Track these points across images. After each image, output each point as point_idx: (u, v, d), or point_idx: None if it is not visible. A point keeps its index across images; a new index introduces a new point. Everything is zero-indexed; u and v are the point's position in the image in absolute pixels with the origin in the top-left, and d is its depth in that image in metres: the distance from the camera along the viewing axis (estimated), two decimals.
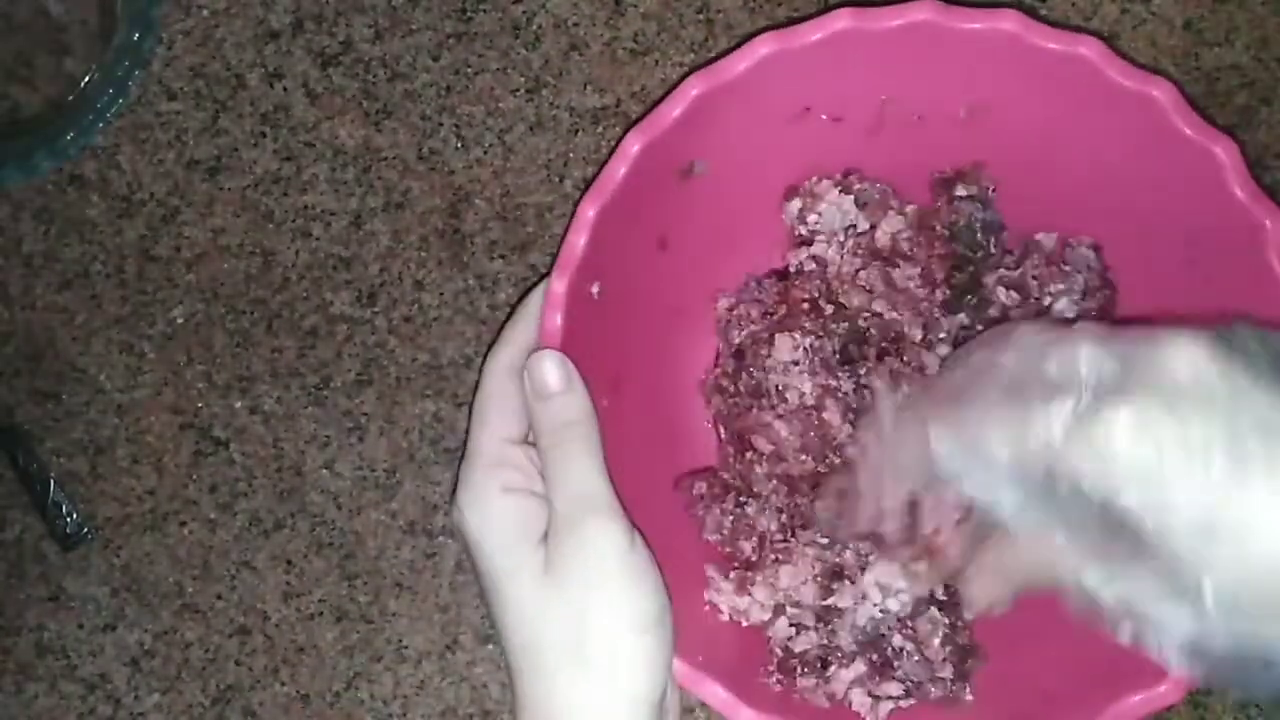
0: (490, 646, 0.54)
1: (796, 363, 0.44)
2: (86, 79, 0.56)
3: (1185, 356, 0.30)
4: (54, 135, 0.55)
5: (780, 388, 0.45)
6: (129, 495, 0.55)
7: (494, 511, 0.38)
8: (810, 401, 0.44)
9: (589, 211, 0.40)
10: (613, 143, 0.55)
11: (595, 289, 0.42)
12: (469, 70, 0.56)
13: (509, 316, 0.42)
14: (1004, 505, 0.33)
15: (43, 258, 0.56)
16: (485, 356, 0.41)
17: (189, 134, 0.56)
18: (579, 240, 0.40)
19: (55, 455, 0.55)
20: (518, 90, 0.56)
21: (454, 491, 0.39)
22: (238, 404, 0.55)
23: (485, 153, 0.55)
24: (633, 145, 0.40)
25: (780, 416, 0.45)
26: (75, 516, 0.55)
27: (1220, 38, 0.54)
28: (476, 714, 0.53)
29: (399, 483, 0.54)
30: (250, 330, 0.55)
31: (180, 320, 0.56)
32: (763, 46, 0.40)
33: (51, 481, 0.55)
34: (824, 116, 0.45)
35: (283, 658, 0.54)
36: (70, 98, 0.56)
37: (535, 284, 0.41)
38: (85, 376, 0.56)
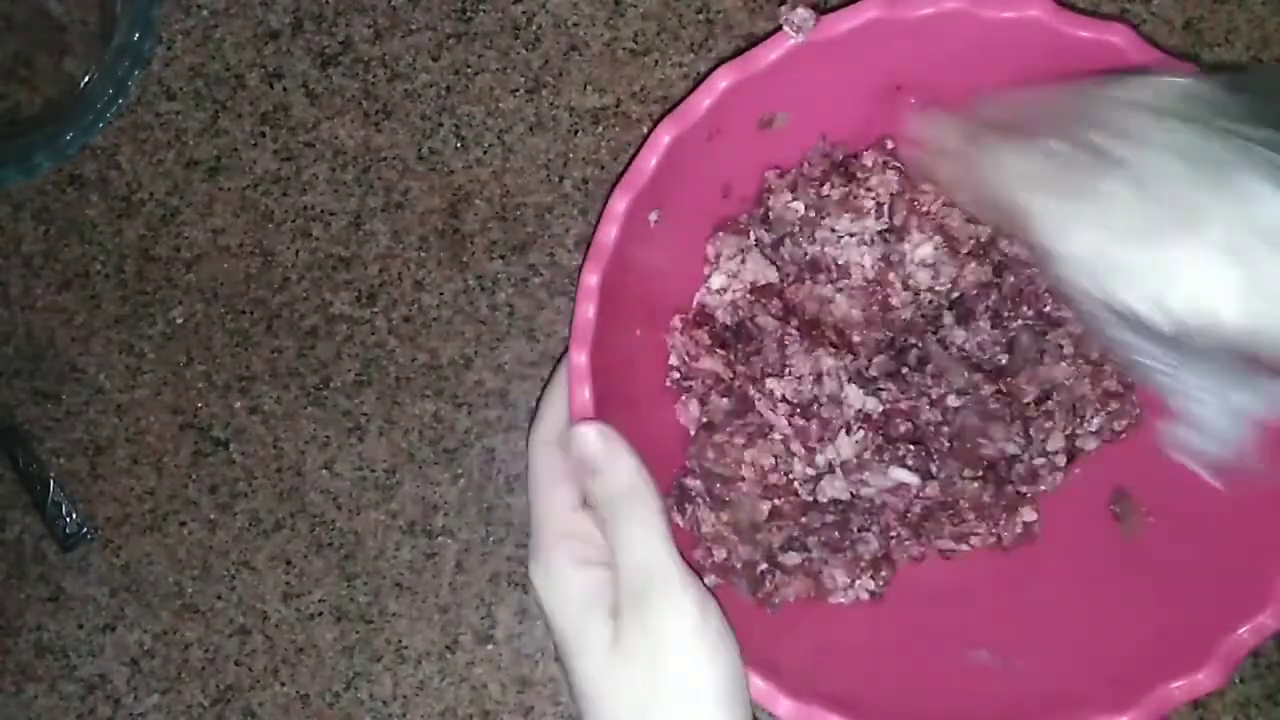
0: (490, 647, 0.54)
1: (854, 234, 0.44)
2: (86, 79, 0.56)
3: None
4: (54, 135, 0.55)
5: (839, 261, 0.44)
6: (129, 495, 0.55)
7: (566, 583, 0.37)
8: (871, 274, 0.44)
9: (664, 137, 0.40)
10: (613, 143, 0.55)
11: (653, 216, 0.42)
12: (469, 70, 0.56)
13: (542, 391, 0.41)
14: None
15: (42, 258, 0.56)
16: (529, 434, 0.41)
17: (188, 134, 0.56)
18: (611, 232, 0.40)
19: (55, 455, 0.55)
20: (517, 90, 0.56)
21: (526, 566, 0.39)
22: (237, 404, 0.55)
23: (485, 153, 0.55)
24: (713, 91, 0.40)
25: (840, 290, 0.45)
26: (75, 517, 0.55)
27: (1220, 38, 0.54)
28: (476, 714, 0.53)
29: (399, 483, 0.54)
30: (250, 330, 0.55)
31: (180, 320, 0.56)
32: (871, 10, 0.40)
33: (51, 482, 0.55)
34: (912, 100, 0.45)
35: (282, 658, 0.54)
36: (70, 98, 0.56)
37: (559, 359, 0.41)
38: (85, 377, 0.56)
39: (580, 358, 0.39)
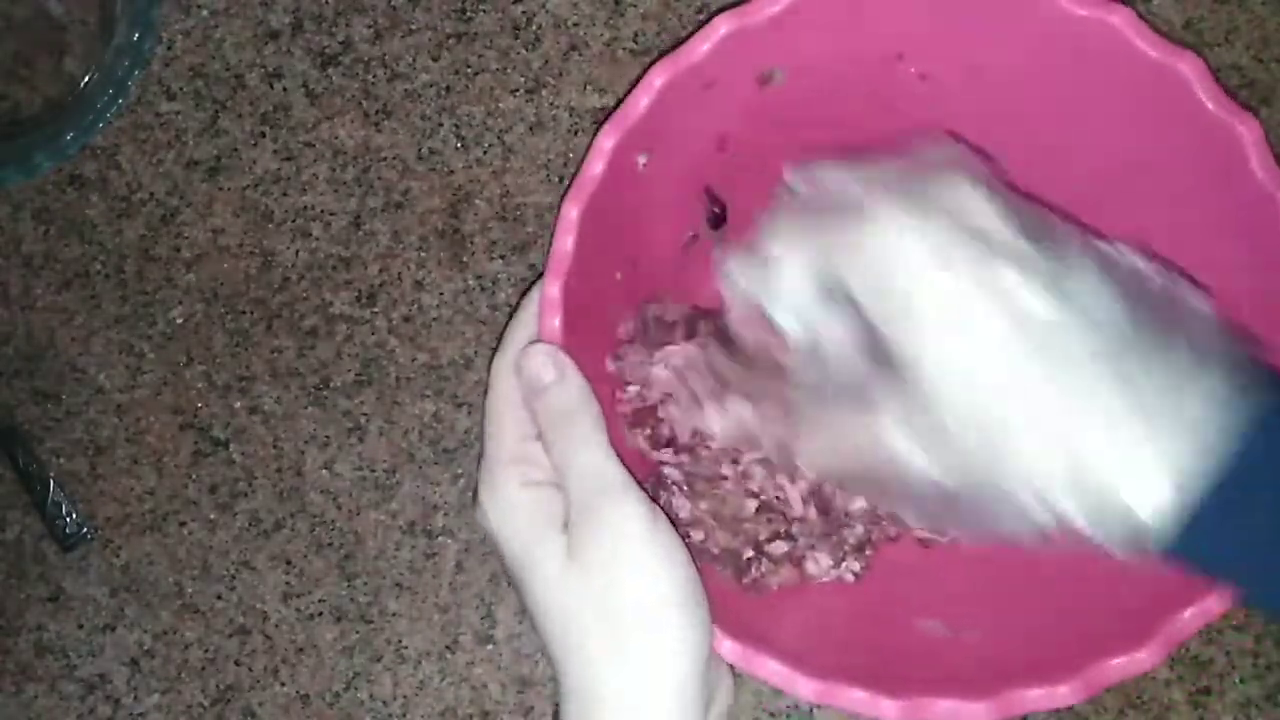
0: (490, 647, 0.54)
1: None
2: (86, 79, 0.56)
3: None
4: (53, 135, 0.55)
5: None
6: (128, 495, 0.55)
7: (514, 505, 0.38)
8: None
9: (605, 143, 0.40)
10: None
11: (641, 160, 0.41)
12: (469, 70, 0.56)
13: (510, 318, 0.42)
14: (790, 325, 0.37)
15: (42, 258, 0.56)
16: (491, 360, 0.41)
17: (188, 134, 0.56)
18: (596, 165, 0.40)
19: (55, 455, 0.55)
20: (517, 90, 0.56)
21: (475, 495, 0.39)
22: (237, 404, 0.55)
23: (485, 153, 0.55)
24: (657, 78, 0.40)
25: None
26: (75, 517, 0.55)
27: (1220, 38, 0.54)
28: (476, 714, 0.53)
29: (399, 483, 0.54)
30: (250, 330, 0.55)
31: (180, 320, 0.56)
32: None
33: (51, 482, 0.55)
34: (913, 70, 0.44)
35: (282, 658, 0.54)
36: (70, 98, 0.56)
37: (533, 284, 0.41)
38: (85, 377, 0.56)
39: (553, 289, 0.39)
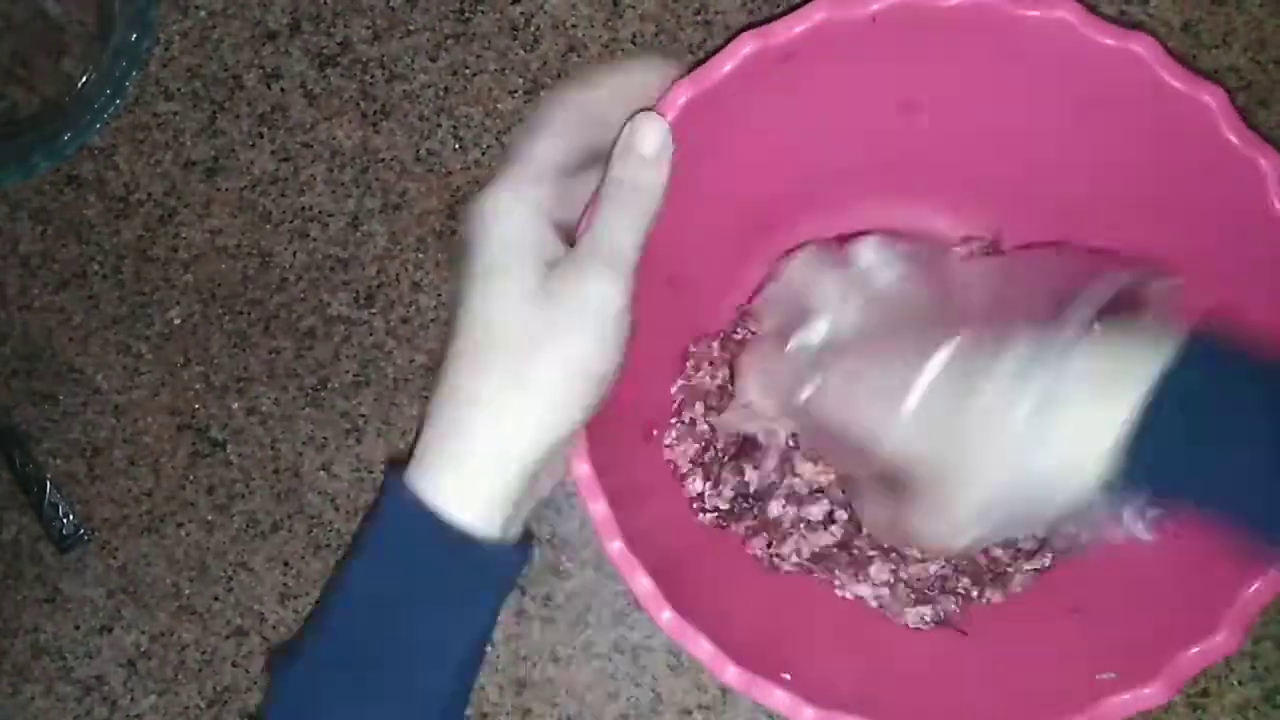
0: (488, 649, 0.54)
1: None
2: (84, 79, 0.56)
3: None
4: (51, 135, 0.55)
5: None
6: (126, 497, 0.55)
7: (518, 215, 0.38)
8: None
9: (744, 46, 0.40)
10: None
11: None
12: (467, 71, 0.56)
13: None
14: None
15: (40, 258, 0.56)
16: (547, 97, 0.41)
17: (186, 134, 0.56)
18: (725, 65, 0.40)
19: (52, 456, 0.55)
20: (516, 91, 0.55)
21: (483, 191, 0.39)
22: (235, 405, 0.55)
23: (483, 154, 0.55)
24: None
25: None
26: (72, 518, 0.55)
27: (1218, 40, 0.54)
28: (474, 716, 0.53)
29: None
30: (248, 331, 0.55)
31: (177, 321, 0.56)
32: None
33: (48, 483, 0.55)
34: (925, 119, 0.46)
35: None
36: (67, 98, 0.56)
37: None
38: (82, 377, 0.56)
39: (583, 467, 0.40)
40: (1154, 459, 0.34)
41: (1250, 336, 0.35)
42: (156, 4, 0.56)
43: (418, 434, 0.38)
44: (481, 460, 0.37)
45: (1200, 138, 0.40)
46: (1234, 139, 0.40)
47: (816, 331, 0.43)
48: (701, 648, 0.40)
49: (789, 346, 0.43)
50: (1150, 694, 0.39)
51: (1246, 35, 0.54)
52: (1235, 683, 0.52)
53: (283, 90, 0.56)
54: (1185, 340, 0.35)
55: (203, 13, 0.56)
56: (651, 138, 0.39)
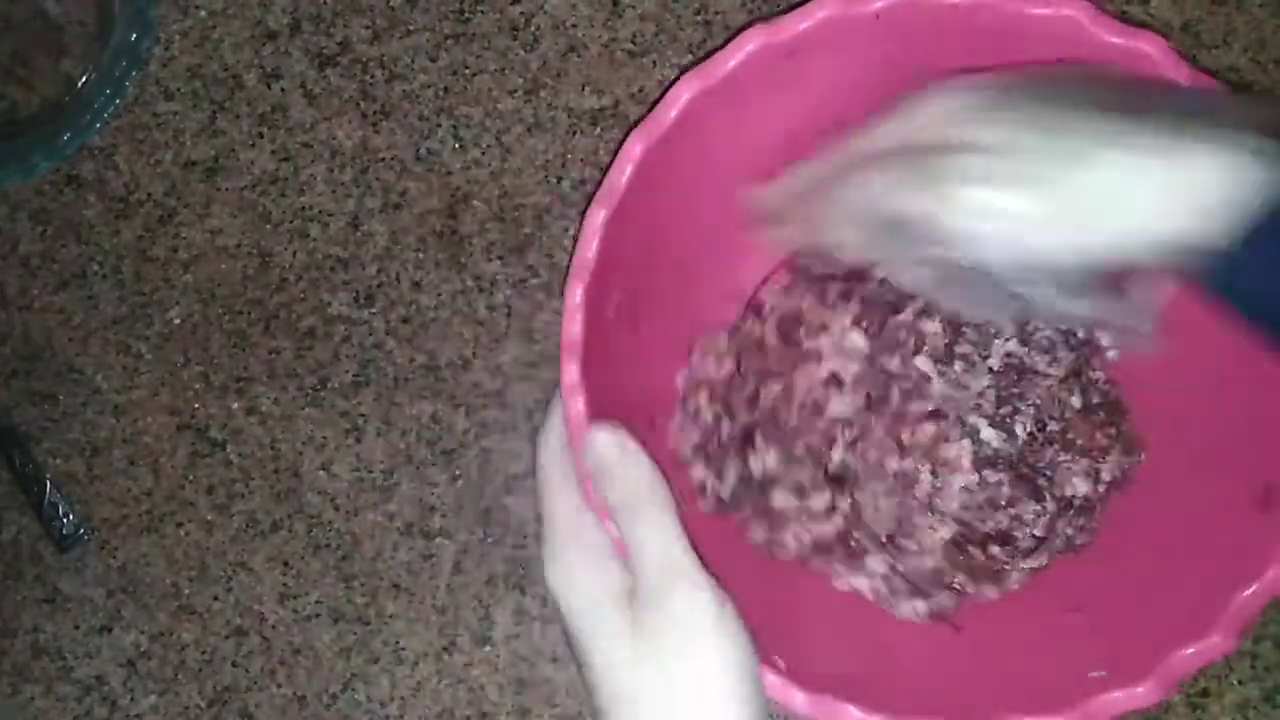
0: (487, 648, 0.54)
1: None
2: (84, 79, 0.56)
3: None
4: (51, 135, 0.55)
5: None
6: (125, 496, 0.55)
7: (577, 581, 0.38)
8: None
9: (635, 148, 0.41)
10: (611, 144, 0.55)
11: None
12: (467, 71, 0.56)
13: (554, 395, 0.42)
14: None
15: (40, 258, 0.56)
16: (536, 443, 0.41)
17: (186, 134, 0.56)
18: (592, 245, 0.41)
19: (52, 456, 0.55)
20: (516, 91, 0.55)
21: (544, 568, 0.39)
22: (235, 405, 0.55)
23: (483, 154, 0.55)
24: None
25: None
26: (71, 518, 0.55)
27: (1218, 40, 0.54)
28: (474, 716, 0.53)
29: (396, 484, 0.54)
30: (247, 331, 0.55)
31: (177, 321, 0.56)
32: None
33: (48, 482, 0.55)
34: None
35: (279, 659, 0.54)
36: (67, 98, 0.56)
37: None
38: (82, 377, 0.55)
39: (571, 372, 0.40)
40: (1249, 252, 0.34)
41: None
42: (156, 4, 0.56)
43: None
44: None
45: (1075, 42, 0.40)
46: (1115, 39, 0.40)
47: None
48: None
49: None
50: (1142, 693, 0.39)
51: (1246, 35, 0.54)
52: (1235, 682, 0.52)
53: (283, 90, 0.56)
54: None
55: (203, 12, 0.56)
56: (608, 449, 0.39)
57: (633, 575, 0.38)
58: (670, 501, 0.38)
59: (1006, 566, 0.49)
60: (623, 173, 0.41)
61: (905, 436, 0.49)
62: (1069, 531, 0.49)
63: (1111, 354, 0.50)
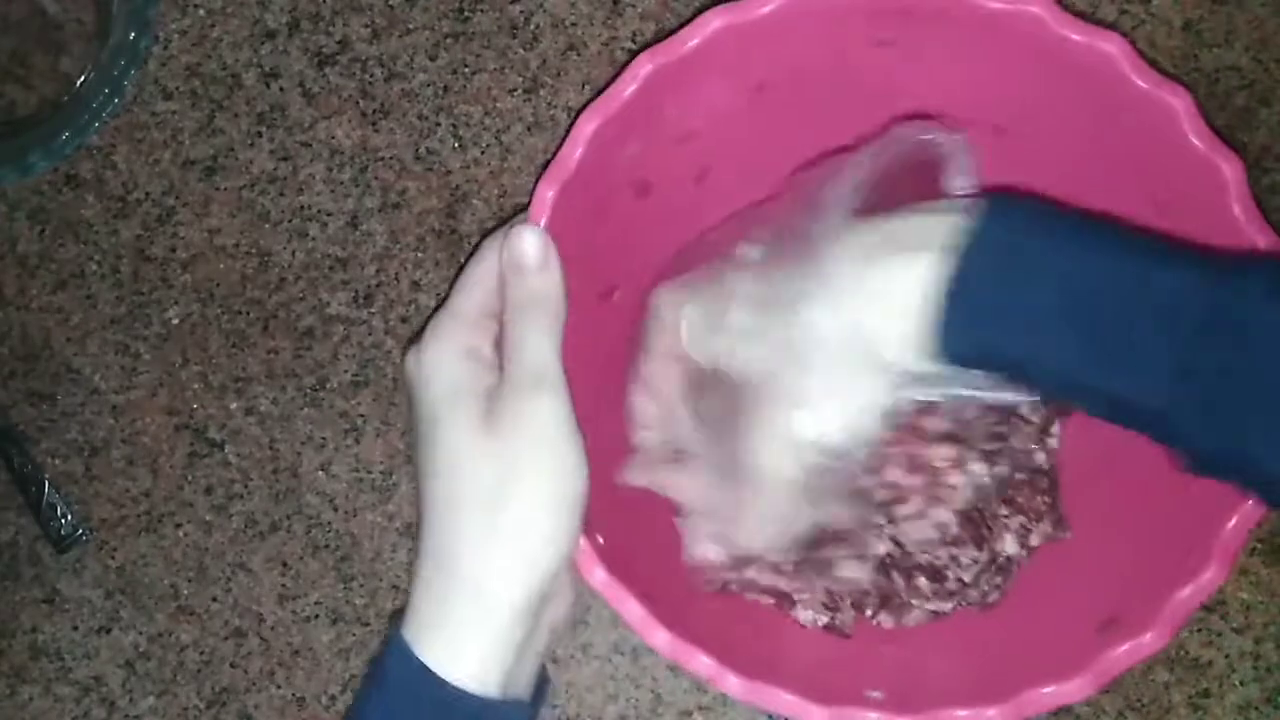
0: None
1: None
2: (82, 78, 0.56)
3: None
4: (49, 135, 0.55)
5: None
6: (124, 497, 0.55)
7: (450, 364, 0.39)
8: None
9: (588, 126, 0.41)
10: None
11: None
12: (466, 70, 0.56)
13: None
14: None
15: (38, 258, 0.56)
16: (483, 243, 0.42)
17: (185, 134, 0.56)
18: (575, 151, 0.41)
19: (50, 456, 0.55)
20: (515, 90, 0.55)
21: (414, 342, 0.40)
22: (233, 405, 0.55)
23: (483, 153, 0.55)
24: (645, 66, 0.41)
25: None
26: (70, 518, 0.54)
27: (1219, 39, 0.54)
28: None
29: (395, 484, 0.54)
30: (246, 331, 0.55)
31: (176, 321, 0.55)
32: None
33: (46, 483, 0.55)
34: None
35: (278, 660, 0.54)
36: (66, 97, 0.56)
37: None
38: (80, 377, 0.55)
39: (547, 190, 0.40)
40: (961, 316, 0.35)
41: (1043, 199, 0.36)
42: (155, 3, 0.56)
43: (410, 585, 0.38)
44: (469, 614, 0.37)
45: (1165, 140, 0.40)
46: (1197, 142, 0.40)
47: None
48: (701, 663, 0.40)
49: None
50: (1150, 639, 0.40)
51: (1248, 34, 0.54)
52: (1236, 683, 0.52)
53: (281, 89, 0.56)
54: (982, 204, 0.36)
55: (201, 11, 0.56)
56: (531, 248, 0.40)
57: (501, 375, 0.39)
58: (563, 315, 0.39)
59: (915, 602, 0.48)
60: (575, 149, 0.41)
61: (919, 450, 0.48)
62: (986, 587, 0.48)
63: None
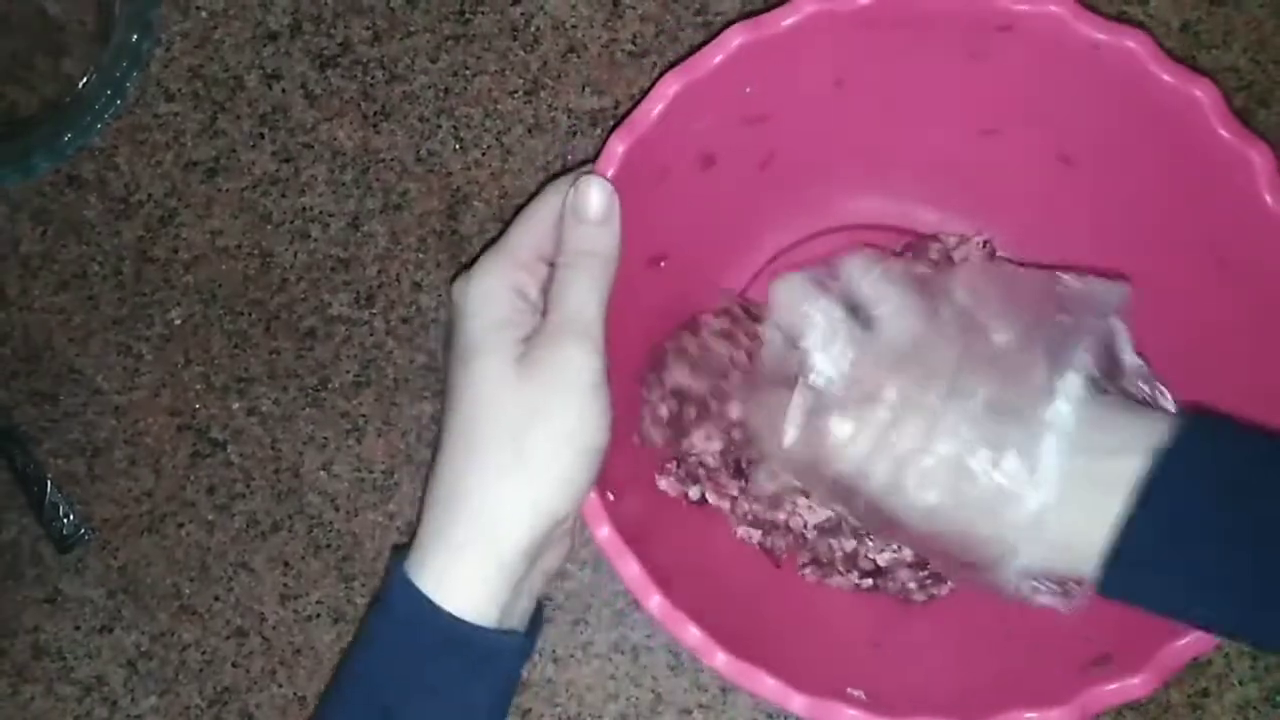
0: None
1: None
2: (84, 80, 0.56)
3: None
4: (52, 136, 0.55)
5: None
6: (126, 497, 0.55)
7: (497, 296, 0.39)
8: None
9: (670, 86, 0.41)
10: None
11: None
12: (467, 72, 0.56)
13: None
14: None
15: (40, 259, 0.56)
16: (550, 185, 0.42)
17: (187, 135, 0.56)
18: (654, 109, 0.41)
19: (52, 456, 0.55)
20: (516, 92, 0.56)
21: (466, 269, 0.40)
22: (235, 405, 0.55)
23: (483, 154, 0.55)
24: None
25: None
26: (72, 518, 0.55)
27: (1217, 40, 0.54)
28: None
29: (397, 484, 0.54)
30: (248, 331, 0.55)
31: (178, 321, 0.56)
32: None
33: (49, 483, 0.55)
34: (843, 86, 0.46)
35: (280, 659, 0.54)
36: (68, 99, 0.56)
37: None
38: (83, 378, 0.56)
39: (619, 145, 0.41)
40: (1137, 557, 0.35)
41: (1236, 427, 0.36)
42: (157, 4, 0.56)
43: (418, 517, 0.39)
44: (474, 547, 0.37)
45: (1192, 133, 0.40)
46: (1225, 134, 0.40)
47: (817, 374, 0.40)
48: (690, 634, 0.40)
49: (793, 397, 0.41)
50: (1138, 684, 0.39)
51: (1246, 35, 0.54)
52: (1235, 682, 0.52)
53: (283, 91, 0.56)
54: (1175, 431, 0.35)
55: (204, 13, 0.57)
56: (596, 201, 0.40)
57: (543, 320, 0.39)
58: (612, 274, 0.40)
59: (842, 570, 0.49)
60: (654, 106, 0.41)
61: None
62: (912, 584, 0.49)
63: None
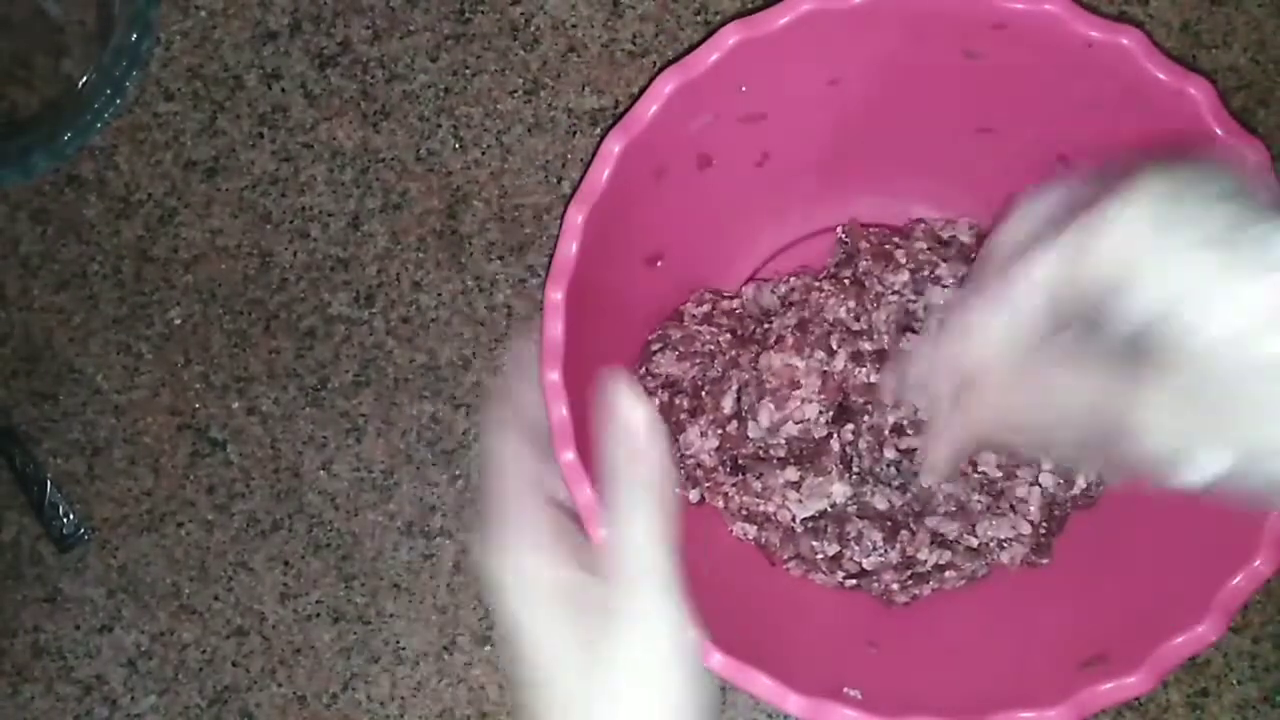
0: (488, 648, 0.54)
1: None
2: (84, 80, 0.56)
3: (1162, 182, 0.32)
4: (51, 136, 0.55)
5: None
6: (126, 496, 0.55)
7: (529, 565, 0.35)
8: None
9: (666, 85, 0.41)
10: None
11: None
12: (467, 71, 0.56)
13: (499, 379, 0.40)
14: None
15: (40, 258, 0.56)
16: (484, 421, 0.40)
17: (186, 135, 0.56)
18: (649, 107, 0.41)
19: (52, 456, 0.55)
20: (516, 91, 0.56)
21: (486, 552, 0.36)
22: (235, 405, 0.55)
23: (483, 154, 0.55)
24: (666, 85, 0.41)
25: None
26: (72, 517, 0.55)
27: (1218, 40, 0.54)
28: (474, 715, 0.53)
29: (396, 484, 0.54)
30: (248, 331, 0.55)
31: (178, 321, 0.56)
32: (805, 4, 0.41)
33: (48, 482, 0.55)
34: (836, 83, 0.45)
35: (280, 659, 0.54)
36: (68, 98, 0.56)
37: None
38: (82, 377, 0.56)
39: (553, 375, 0.39)
40: None
41: None
42: (157, 4, 0.56)
43: None
44: None
45: (1187, 130, 0.40)
46: (1220, 131, 0.40)
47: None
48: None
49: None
50: (1133, 683, 0.39)
51: (1246, 35, 0.54)
52: (1235, 682, 0.52)
53: (283, 90, 0.56)
54: None
55: (203, 13, 0.57)
56: (641, 429, 0.34)
57: (598, 568, 0.35)
58: (671, 501, 0.35)
59: (826, 571, 0.48)
60: (650, 105, 0.40)
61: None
62: (895, 585, 0.48)
63: None
